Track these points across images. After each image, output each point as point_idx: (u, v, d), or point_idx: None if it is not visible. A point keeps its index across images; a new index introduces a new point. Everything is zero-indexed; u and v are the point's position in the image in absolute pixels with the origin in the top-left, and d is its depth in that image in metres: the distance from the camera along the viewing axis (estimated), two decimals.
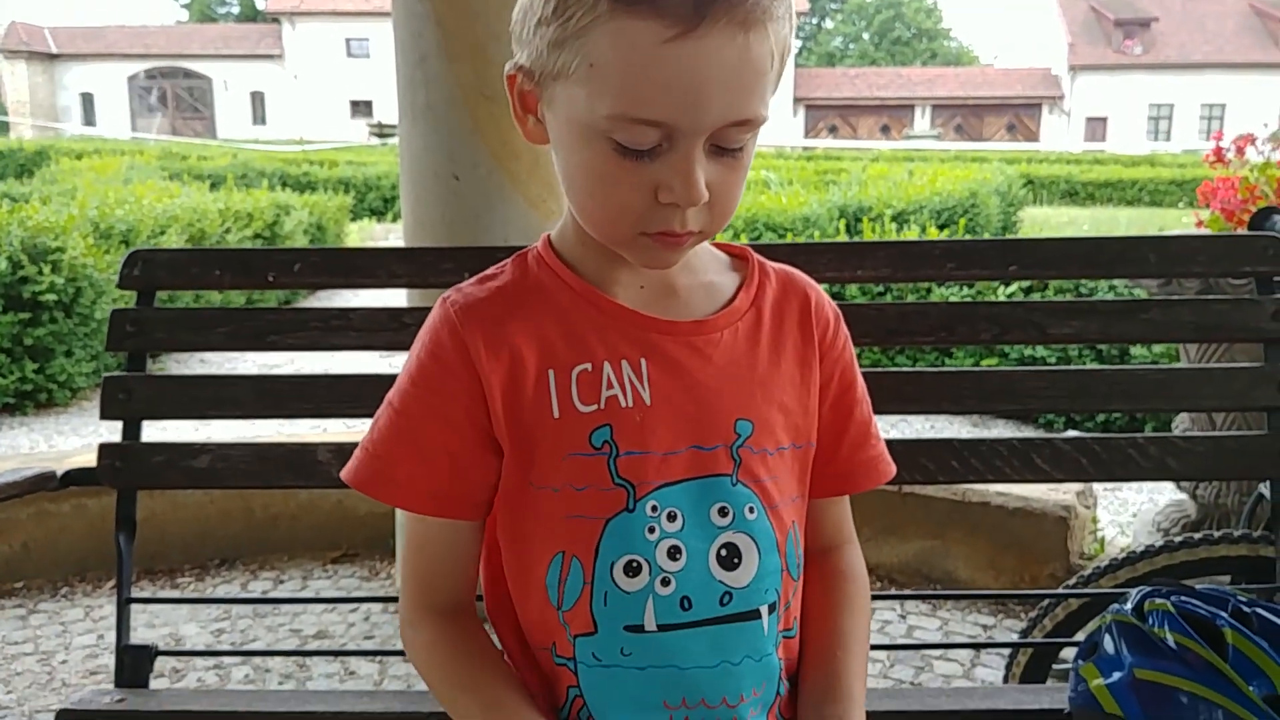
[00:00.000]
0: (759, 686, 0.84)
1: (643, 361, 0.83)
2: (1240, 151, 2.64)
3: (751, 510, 0.84)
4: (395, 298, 2.12)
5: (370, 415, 1.25)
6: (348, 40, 40.18)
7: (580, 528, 0.82)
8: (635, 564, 0.81)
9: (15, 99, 39.50)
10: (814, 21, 61.20)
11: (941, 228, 8.06)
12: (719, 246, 0.94)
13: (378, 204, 14.55)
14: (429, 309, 1.40)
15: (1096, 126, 39.56)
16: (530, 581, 0.84)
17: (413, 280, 1.46)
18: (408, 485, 0.85)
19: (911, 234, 5.76)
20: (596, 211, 0.79)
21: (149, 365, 1.41)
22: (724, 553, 0.83)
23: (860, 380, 0.96)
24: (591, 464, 0.81)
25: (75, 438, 4.58)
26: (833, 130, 40.95)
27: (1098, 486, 3.60)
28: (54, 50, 41.23)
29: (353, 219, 10.21)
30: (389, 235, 12.45)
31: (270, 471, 1.35)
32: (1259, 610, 1.11)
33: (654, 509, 0.81)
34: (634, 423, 0.82)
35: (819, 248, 1.43)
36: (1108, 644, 1.14)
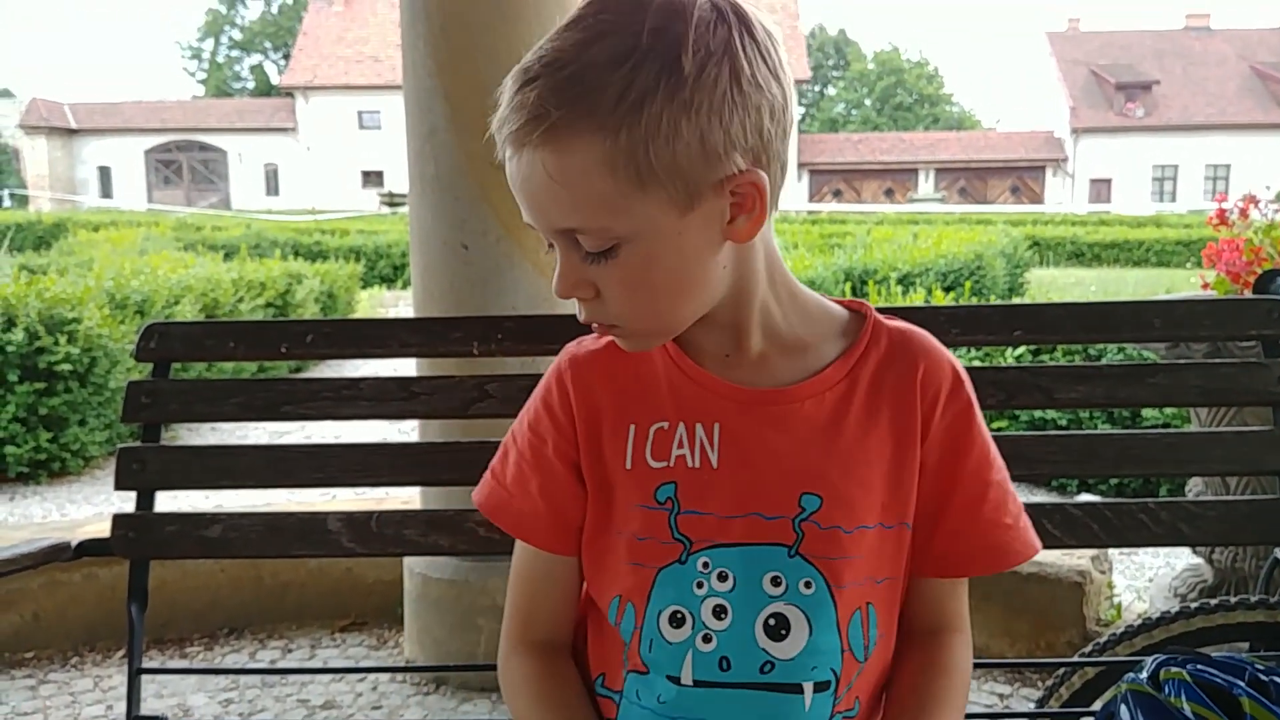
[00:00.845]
0: None
1: (716, 426, 0.87)
2: (1244, 213, 2.66)
3: (809, 585, 0.84)
4: (404, 366, 2.14)
5: (380, 484, 1.29)
6: (359, 113, 40.91)
7: (637, 574, 0.86)
8: (680, 615, 0.84)
9: (35, 173, 40.23)
10: (816, 89, 62.14)
11: (948, 290, 8.08)
12: (840, 301, 0.95)
13: (388, 271, 14.70)
14: (438, 377, 1.43)
15: (1101, 188, 39.87)
16: (599, 616, 0.90)
17: (422, 349, 1.48)
18: (521, 517, 0.91)
19: (917, 297, 5.79)
20: None
21: (162, 433, 1.42)
22: (772, 622, 0.84)
23: (978, 455, 0.91)
24: (654, 516, 0.86)
25: (88, 506, 4.58)
26: (837, 194, 41.35)
27: (1114, 551, 3.56)
28: (73, 125, 42.08)
29: (363, 286, 10.32)
30: (399, 302, 12.54)
31: (282, 541, 1.35)
32: (1277, 679, 1.10)
33: (705, 566, 0.84)
34: (698, 483, 0.86)
35: None
36: (1124, 714, 1.12)
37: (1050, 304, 1.42)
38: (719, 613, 0.84)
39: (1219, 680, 1.09)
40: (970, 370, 1.44)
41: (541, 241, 0.83)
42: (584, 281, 0.80)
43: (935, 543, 0.89)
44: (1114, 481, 4.25)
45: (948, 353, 0.93)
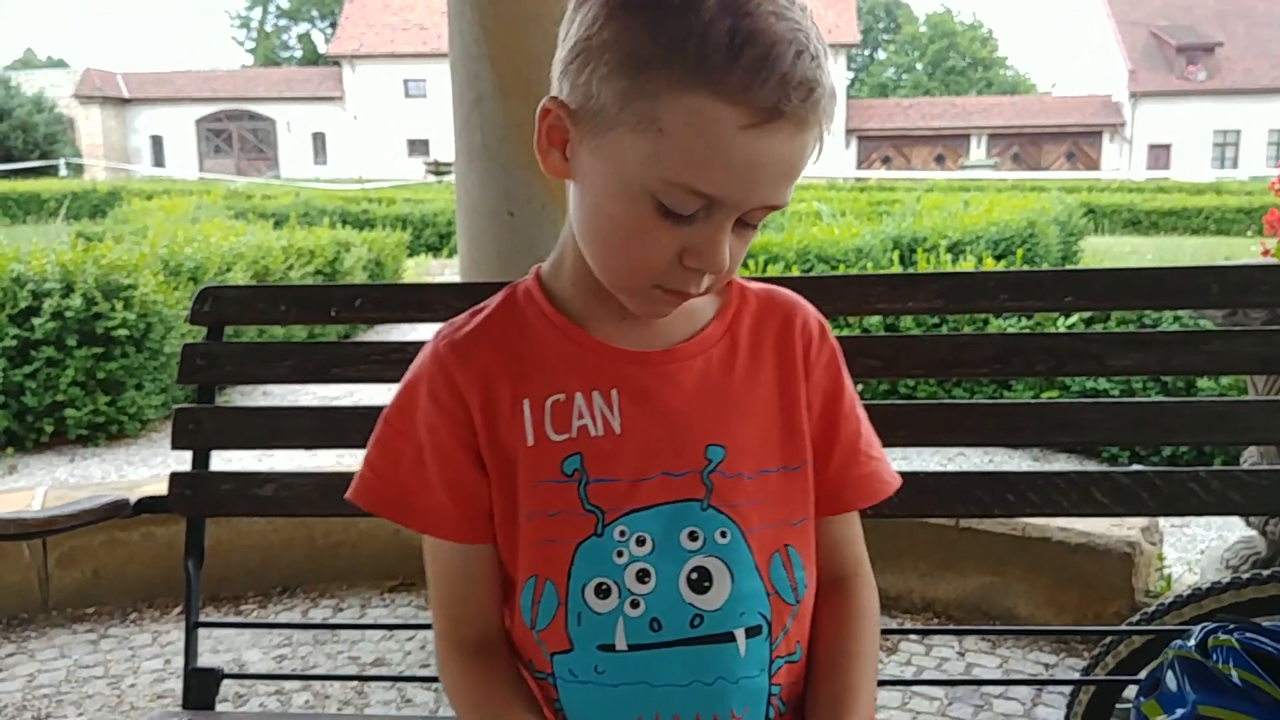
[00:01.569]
0: (740, 709, 0.85)
1: (614, 392, 0.87)
2: None
3: (724, 534, 0.86)
4: None
5: None
6: (405, 81, 41.04)
7: (553, 552, 0.85)
8: (605, 586, 0.85)
9: (89, 142, 40.92)
10: (866, 53, 61.19)
11: (998, 258, 7.96)
12: None
13: (434, 239, 14.80)
14: None
15: (1160, 154, 38.92)
16: (512, 603, 0.89)
17: None
18: (426, 513, 0.89)
19: (967, 265, 5.71)
20: (614, 261, 0.82)
21: (216, 396, 1.45)
22: (694, 576, 0.85)
23: (849, 395, 0.96)
24: (563, 490, 0.86)
25: (145, 468, 4.69)
26: (886, 161, 40.79)
27: (1165, 523, 3.52)
28: (126, 95, 42.70)
29: (409, 255, 10.39)
30: (445, 270, 12.62)
31: (332, 500, 1.38)
32: None
33: (622, 534, 0.85)
34: (604, 451, 0.86)
35: (871, 279, 1.44)
36: (1170, 681, 1.12)
37: (1103, 270, 1.40)
38: (642, 576, 0.84)
39: (1269, 648, 1.08)
40: (1019, 337, 1.44)
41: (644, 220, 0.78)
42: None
43: (826, 479, 0.93)
44: (1166, 453, 4.19)
45: (810, 305, 0.97)
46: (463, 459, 0.88)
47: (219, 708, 1.36)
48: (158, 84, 43.92)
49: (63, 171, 31.71)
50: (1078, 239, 12.33)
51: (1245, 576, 1.64)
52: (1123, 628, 1.66)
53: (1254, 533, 2.49)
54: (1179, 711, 1.08)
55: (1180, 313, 4.03)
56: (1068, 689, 1.79)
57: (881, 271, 4.77)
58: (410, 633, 2.70)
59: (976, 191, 17.21)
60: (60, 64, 61.00)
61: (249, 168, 40.81)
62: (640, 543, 0.85)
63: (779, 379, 0.92)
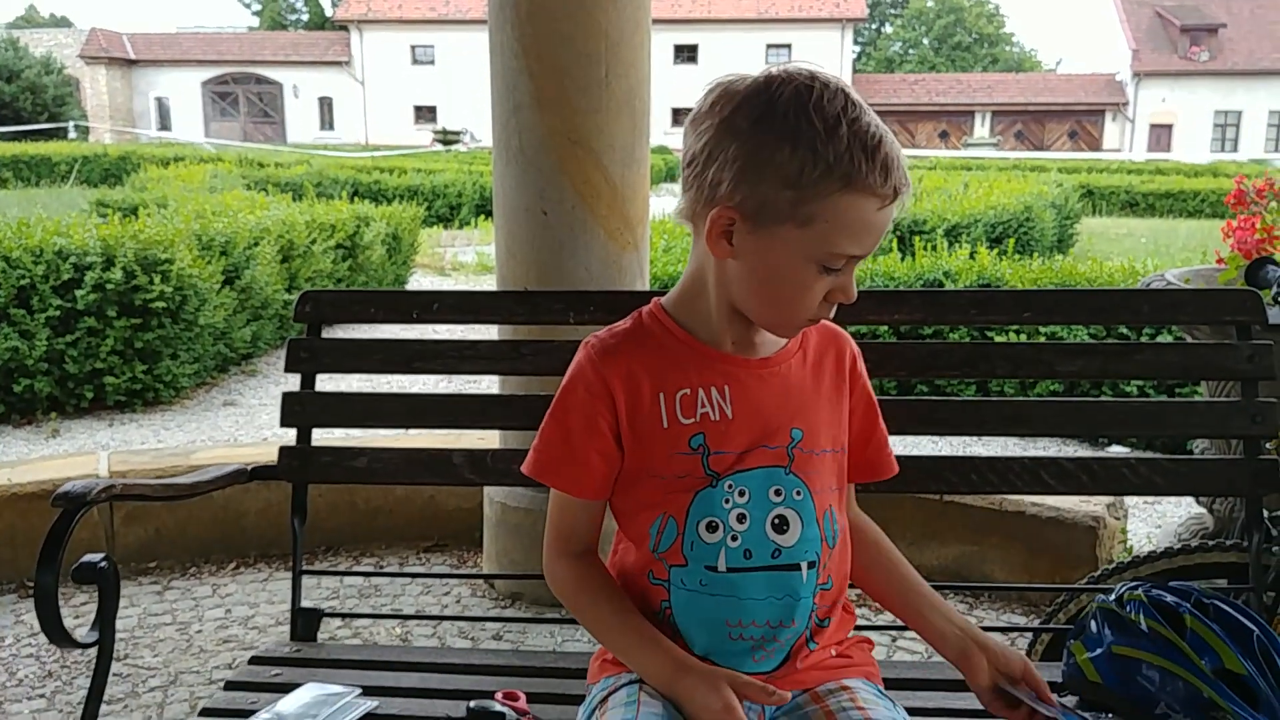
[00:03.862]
0: (793, 619, 1.19)
1: (726, 388, 1.20)
2: (1260, 194, 2.84)
3: (799, 493, 1.20)
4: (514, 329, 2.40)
5: (494, 427, 1.64)
6: (413, 47, 41.04)
7: (678, 498, 1.19)
8: (714, 523, 1.18)
9: (95, 103, 40.93)
10: (873, 27, 60.92)
11: (994, 242, 8.23)
12: None
13: (444, 210, 15.03)
14: (543, 341, 1.72)
15: (1161, 134, 39.02)
16: (637, 531, 1.22)
17: (529, 318, 1.77)
18: (566, 476, 1.22)
19: (963, 251, 5.97)
20: (781, 311, 1.15)
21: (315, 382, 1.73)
22: (776, 521, 1.18)
23: (875, 402, 1.33)
24: (690, 459, 1.19)
25: (180, 433, 4.97)
26: None
27: (1139, 500, 3.81)
28: (132, 56, 42.66)
29: (422, 225, 10.59)
30: (455, 241, 12.87)
31: (415, 471, 1.66)
32: (1217, 602, 1.37)
33: (729, 487, 1.18)
34: (719, 431, 1.19)
35: (861, 294, 1.71)
36: (1093, 626, 1.40)
37: (1055, 291, 1.68)
38: (740, 518, 1.17)
39: (1169, 601, 1.37)
40: (982, 345, 1.72)
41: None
42: None
43: (863, 458, 1.32)
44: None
45: (849, 336, 1.32)
46: (606, 438, 1.20)
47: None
48: (164, 45, 43.88)
49: (71, 134, 31.80)
50: (1074, 222, 12.56)
51: (1177, 547, 1.95)
52: (1073, 586, 1.96)
53: (1204, 510, 2.78)
54: (1097, 650, 1.37)
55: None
56: (1029, 636, 2.09)
57: (870, 289, 5.05)
58: (446, 585, 3.00)
59: (979, 170, 17.42)
60: (64, 22, 60.72)
61: (255, 132, 40.86)
62: (741, 494, 1.18)
63: (834, 387, 1.26)
